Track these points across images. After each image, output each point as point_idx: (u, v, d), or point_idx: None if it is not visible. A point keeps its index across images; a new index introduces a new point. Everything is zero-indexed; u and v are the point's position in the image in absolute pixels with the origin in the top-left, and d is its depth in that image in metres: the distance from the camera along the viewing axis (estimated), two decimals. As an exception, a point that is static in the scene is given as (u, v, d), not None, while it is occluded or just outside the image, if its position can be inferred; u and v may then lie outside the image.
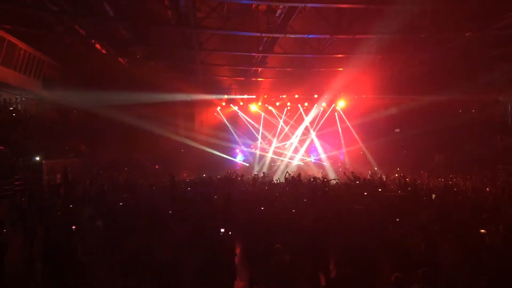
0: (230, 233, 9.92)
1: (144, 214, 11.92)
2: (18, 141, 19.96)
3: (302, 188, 19.03)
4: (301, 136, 33.73)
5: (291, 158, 33.71)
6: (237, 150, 34.41)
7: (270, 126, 34.15)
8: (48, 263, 9.29)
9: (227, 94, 32.20)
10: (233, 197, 14.57)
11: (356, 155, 32.94)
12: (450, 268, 8.23)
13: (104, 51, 24.69)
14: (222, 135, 33.06)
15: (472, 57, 24.50)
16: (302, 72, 28.08)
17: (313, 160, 34.11)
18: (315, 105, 32.25)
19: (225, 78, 30.84)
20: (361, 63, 24.90)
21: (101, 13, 19.29)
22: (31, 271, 10.58)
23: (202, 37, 22.19)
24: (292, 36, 20.68)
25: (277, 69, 28.11)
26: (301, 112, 33.27)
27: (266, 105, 33.36)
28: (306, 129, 33.48)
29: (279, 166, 32.49)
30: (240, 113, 33.72)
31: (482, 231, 9.44)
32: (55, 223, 11.22)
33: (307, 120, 32.88)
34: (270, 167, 32.50)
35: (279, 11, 18.35)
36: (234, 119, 34.08)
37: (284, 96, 32.21)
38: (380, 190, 18.05)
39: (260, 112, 33.62)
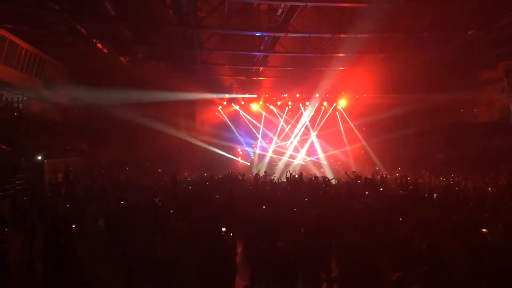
0: (231, 232, 9.91)
1: (145, 213, 11.94)
2: (20, 140, 19.96)
3: (304, 187, 19.03)
4: (302, 135, 33.75)
5: (292, 157, 33.70)
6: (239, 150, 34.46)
7: (271, 126, 34.15)
8: (49, 262, 9.30)
9: (228, 93, 32.17)
10: (234, 196, 14.59)
11: (357, 154, 32.91)
12: (451, 268, 8.22)
13: (105, 51, 24.69)
14: (223, 135, 33.07)
15: (474, 56, 24.48)
16: (304, 71, 28.07)
17: (314, 160, 34.07)
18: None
19: (226, 77, 30.82)
20: (362, 62, 24.92)
21: (102, 13, 19.32)
22: (32, 270, 10.60)
23: (203, 37, 22.17)
24: (293, 35, 20.67)
25: (279, 68, 28.09)
26: (302, 111, 33.28)
27: (267, 104, 33.37)
28: (307, 128, 33.50)
29: (279, 165, 32.47)
30: (242, 112, 33.73)
31: (484, 230, 9.43)
32: (56, 222, 11.23)
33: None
34: (271, 166, 32.48)
35: (280, 10, 18.35)
36: (235, 118, 34.08)
37: (286, 95, 32.21)
38: (381, 189, 18.05)
39: (261, 111, 33.64)
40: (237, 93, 32.44)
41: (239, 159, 34.25)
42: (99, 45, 24.11)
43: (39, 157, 20.30)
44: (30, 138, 21.03)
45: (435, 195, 15.97)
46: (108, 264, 10.27)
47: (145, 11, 20.08)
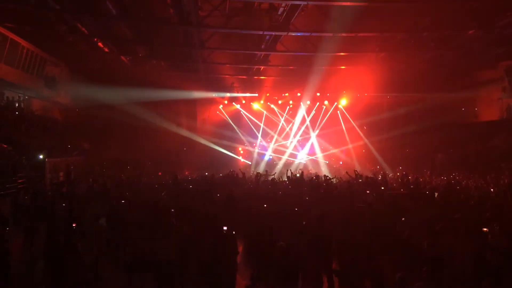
0: (232, 231, 9.92)
1: (146, 212, 11.95)
2: (21, 140, 19.98)
3: (305, 186, 19.04)
4: (303, 134, 33.77)
5: (292, 156, 33.70)
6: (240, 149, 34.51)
7: (272, 125, 34.15)
8: (50, 262, 9.31)
9: (229, 92, 32.16)
10: (235, 195, 14.60)
11: (359, 153, 32.91)
12: (453, 266, 8.22)
13: (106, 50, 24.69)
14: (224, 134, 33.09)
15: (474, 55, 24.47)
16: (305, 71, 28.04)
17: (313, 158, 34.08)
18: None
19: (227, 76, 30.80)
20: (363, 61, 24.91)
21: (103, 12, 19.31)
22: (32, 270, 10.61)
23: (204, 36, 22.16)
24: (295, 34, 20.66)
25: (280, 67, 28.08)
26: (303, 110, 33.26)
27: (268, 103, 33.38)
28: (307, 127, 33.51)
29: (280, 164, 32.48)
30: (243, 111, 33.73)
31: (485, 229, 9.43)
32: (57, 222, 11.24)
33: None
34: (272, 165, 32.49)
35: (281, 9, 18.34)
36: (236, 117, 34.09)
37: (287, 94, 32.21)
38: (382, 188, 18.06)
39: (262, 110, 33.65)
40: (238, 92, 32.42)
41: (240, 158, 34.26)
42: (100, 44, 24.11)
43: (40, 156, 20.34)
44: (31, 137, 21.06)
45: (436, 194, 15.98)
46: (109, 263, 10.29)
47: (146, 10, 20.07)
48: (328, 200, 14.60)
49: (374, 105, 31.95)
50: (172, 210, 12.18)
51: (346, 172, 22.93)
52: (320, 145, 34.12)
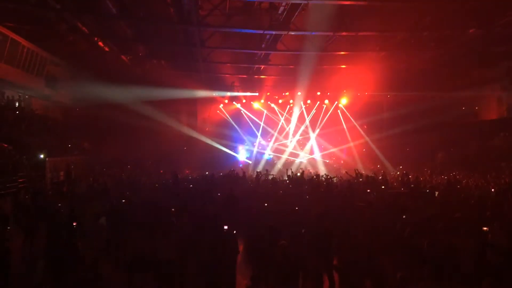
0: (233, 230, 9.91)
1: (147, 211, 11.95)
2: (21, 139, 19.98)
3: (306, 185, 19.04)
4: (303, 134, 33.77)
5: (292, 155, 33.70)
6: (240, 148, 34.50)
7: (272, 124, 34.15)
8: (50, 261, 9.31)
9: (230, 91, 32.18)
10: (236, 195, 14.60)
11: (359, 152, 32.90)
12: (453, 266, 8.22)
13: (106, 49, 24.70)
14: (224, 133, 33.11)
15: (475, 54, 24.42)
16: (305, 70, 28.00)
17: (314, 157, 34.07)
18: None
19: (227, 75, 30.82)
20: (364, 60, 24.90)
21: (103, 11, 19.32)
22: (33, 269, 10.61)
23: (204, 35, 22.17)
24: (295, 33, 20.64)
25: (280, 66, 28.07)
26: (302, 110, 33.27)
27: (268, 102, 33.38)
28: (308, 127, 33.54)
29: (279, 163, 32.48)
30: (243, 111, 33.72)
31: (485, 228, 9.43)
32: (58, 221, 11.25)
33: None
34: (272, 164, 32.50)
35: (281, 8, 18.32)
36: (237, 116, 34.10)
37: (287, 93, 32.20)
38: (383, 187, 18.07)
39: (263, 109, 33.65)
40: (238, 91, 32.43)
41: (240, 157, 34.26)
42: (100, 43, 24.11)
43: (41, 156, 20.32)
44: (31, 137, 21.06)
45: (436, 193, 15.98)
46: (109, 262, 10.28)
47: (146, 9, 20.08)
48: (329, 199, 14.60)
49: (375, 104, 31.96)
50: (172, 209, 12.18)
51: (346, 172, 22.92)
52: (320, 145, 34.12)
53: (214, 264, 8.61)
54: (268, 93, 32.76)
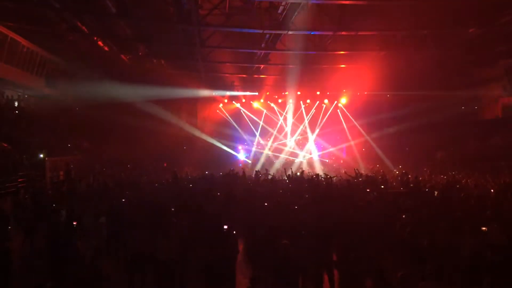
0: (233, 229, 9.92)
1: (147, 211, 11.94)
2: (21, 139, 20.01)
3: (305, 184, 19.04)
4: (303, 134, 33.78)
5: (292, 155, 33.70)
6: (240, 147, 34.49)
7: (272, 123, 34.15)
8: (50, 260, 9.32)
9: (229, 91, 32.17)
10: (235, 194, 14.60)
11: (359, 152, 32.90)
12: (453, 265, 8.23)
13: (106, 49, 24.68)
14: (224, 132, 33.10)
15: (475, 53, 24.42)
16: (305, 69, 28.01)
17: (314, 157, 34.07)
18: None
19: (227, 75, 30.81)
20: (364, 59, 24.89)
21: (103, 11, 19.30)
22: (33, 268, 10.62)
23: (204, 34, 22.16)
24: (294, 32, 20.64)
25: (280, 66, 28.06)
26: (302, 109, 33.29)
27: (268, 102, 33.38)
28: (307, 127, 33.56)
29: (278, 162, 32.48)
30: (243, 110, 33.72)
31: (485, 228, 9.44)
32: (57, 220, 11.25)
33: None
34: (272, 163, 32.48)
35: (281, 8, 18.32)
36: (236, 116, 34.09)
37: (287, 93, 32.19)
38: (382, 187, 18.07)
39: (262, 109, 33.66)
40: (238, 91, 32.42)
41: (240, 156, 34.26)
42: (100, 43, 24.09)
43: (41, 155, 20.34)
44: (31, 136, 21.09)
45: (436, 192, 15.98)
46: (109, 262, 10.29)
47: (146, 9, 20.07)
48: (328, 198, 14.59)
49: (374, 103, 31.93)
50: (172, 209, 12.19)
51: (345, 172, 22.93)
52: (320, 144, 34.12)
53: (214, 264, 8.61)
54: (268, 93, 32.77)
